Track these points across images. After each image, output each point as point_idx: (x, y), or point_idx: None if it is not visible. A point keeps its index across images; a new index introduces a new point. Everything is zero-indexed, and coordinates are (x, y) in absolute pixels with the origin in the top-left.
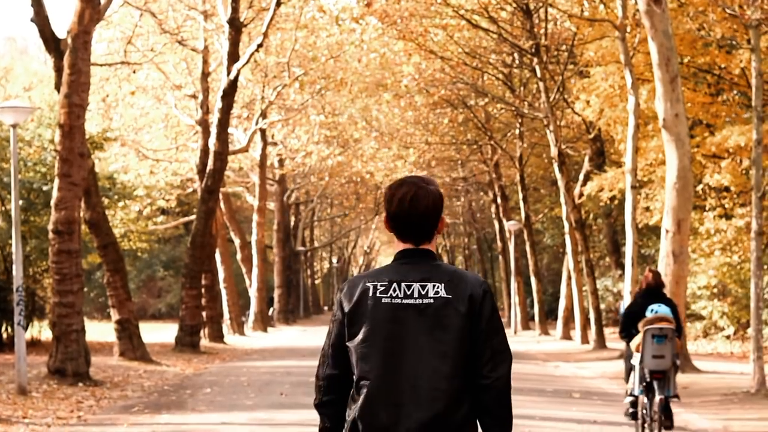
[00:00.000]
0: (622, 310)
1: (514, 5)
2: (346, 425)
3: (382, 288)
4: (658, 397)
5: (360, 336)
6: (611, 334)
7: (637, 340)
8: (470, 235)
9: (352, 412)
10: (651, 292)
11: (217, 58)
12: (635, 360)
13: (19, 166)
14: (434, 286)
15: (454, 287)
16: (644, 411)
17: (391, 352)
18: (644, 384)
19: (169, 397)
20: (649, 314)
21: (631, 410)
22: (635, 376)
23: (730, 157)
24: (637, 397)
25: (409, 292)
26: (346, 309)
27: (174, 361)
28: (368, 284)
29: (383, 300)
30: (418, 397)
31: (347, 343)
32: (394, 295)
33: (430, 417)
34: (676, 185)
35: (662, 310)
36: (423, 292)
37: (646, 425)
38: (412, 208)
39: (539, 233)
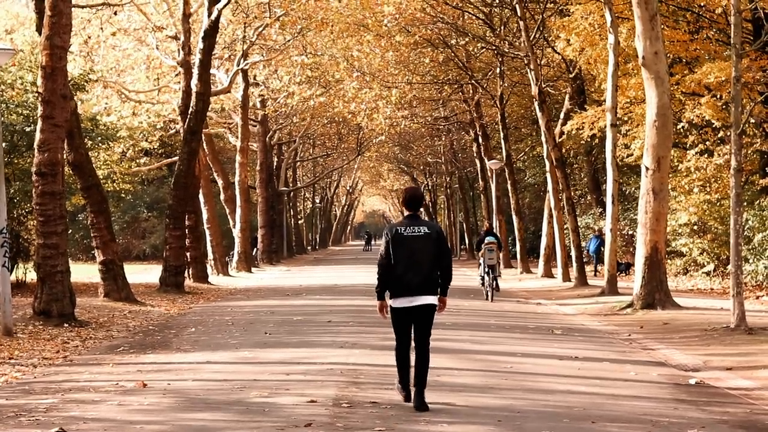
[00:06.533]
0: (590, 247)
1: None
2: (391, 281)
3: (404, 229)
4: (492, 275)
5: (397, 248)
6: (591, 271)
7: (481, 251)
8: (452, 174)
9: (394, 277)
10: (487, 232)
11: None
12: (482, 260)
13: (2, 109)
14: (423, 227)
15: (430, 228)
16: (486, 284)
17: (410, 254)
18: (485, 270)
19: (154, 337)
20: (486, 240)
21: (480, 283)
22: (482, 268)
23: (709, 94)
24: (483, 277)
25: (414, 230)
26: (389, 237)
27: (158, 302)
28: (398, 228)
29: (405, 233)
30: (421, 270)
31: (390, 250)
32: (409, 231)
33: (425, 275)
34: (655, 123)
35: (491, 239)
36: (419, 230)
37: (487, 291)
38: (412, 197)
39: (520, 172)
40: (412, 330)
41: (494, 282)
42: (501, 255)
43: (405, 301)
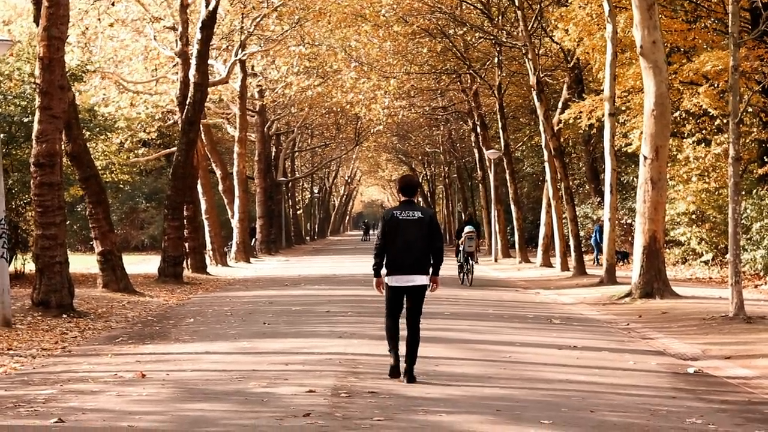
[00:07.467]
0: (594, 235)
1: None
2: (386, 262)
3: (399, 213)
4: (471, 263)
5: (392, 231)
6: (590, 260)
7: (462, 238)
8: (450, 163)
9: (389, 257)
10: (468, 221)
11: None
12: (461, 248)
13: (0, 100)
14: (417, 212)
15: (423, 213)
16: (464, 269)
17: (404, 236)
18: (464, 257)
19: (152, 328)
20: (465, 229)
21: (459, 270)
22: (461, 254)
23: (707, 83)
24: (461, 263)
25: (408, 215)
26: (386, 220)
27: (157, 292)
28: (394, 212)
29: (400, 217)
30: (413, 251)
31: (385, 232)
32: (404, 215)
33: (417, 257)
34: (654, 112)
35: (469, 228)
36: (413, 215)
37: (465, 276)
38: (407, 184)
39: (519, 161)
40: (405, 310)
41: (472, 268)
42: (479, 242)
43: (400, 280)
